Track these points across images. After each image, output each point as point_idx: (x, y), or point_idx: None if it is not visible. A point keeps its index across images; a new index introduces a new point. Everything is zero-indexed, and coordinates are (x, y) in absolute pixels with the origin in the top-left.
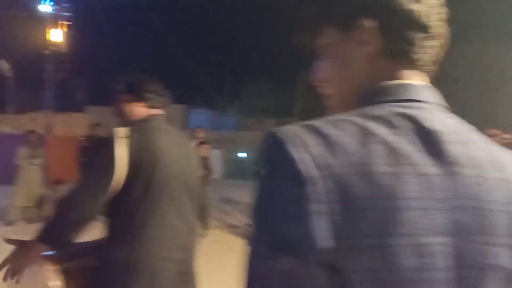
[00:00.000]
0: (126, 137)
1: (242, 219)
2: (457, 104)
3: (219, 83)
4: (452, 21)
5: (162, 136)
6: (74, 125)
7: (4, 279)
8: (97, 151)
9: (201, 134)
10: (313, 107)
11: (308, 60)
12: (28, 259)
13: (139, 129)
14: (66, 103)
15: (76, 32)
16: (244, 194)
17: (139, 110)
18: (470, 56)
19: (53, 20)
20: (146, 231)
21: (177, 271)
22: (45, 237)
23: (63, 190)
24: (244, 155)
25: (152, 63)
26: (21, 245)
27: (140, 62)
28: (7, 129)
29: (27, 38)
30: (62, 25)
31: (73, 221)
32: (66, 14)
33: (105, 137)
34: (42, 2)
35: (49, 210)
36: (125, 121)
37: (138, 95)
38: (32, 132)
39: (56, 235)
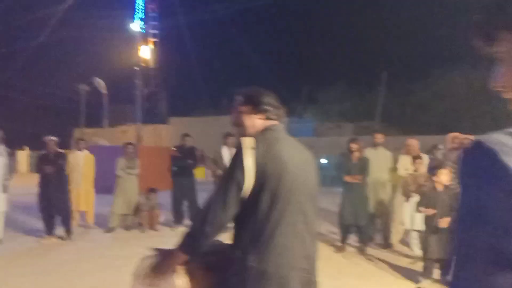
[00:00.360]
0: (252, 148)
1: (326, 227)
2: None
3: (295, 89)
4: None
5: (284, 145)
6: (160, 136)
7: (144, 284)
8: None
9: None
10: (394, 110)
11: (386, 64)
12: (169, 268)
13: (263, 139)
14: (151, 116)
15: (161, 48)
16: (327, 201)
17: (258, 121)
18: None
19: (142, 38)
20: (275, 240)
21: (303, 280)
22: (184, 247)
23: (156, 198)
24: (325, 161)
25: (230, 74)
26: (164, 254)
27: (218, 73)
28: (102, 142)
29: (118, 56)
30: (150, 42)
31: (208, 232)
32: (153, 31)
33: (192, 147)
34: (133, 21)
35: (144, 217)
36: (244, 131)
37: (257, 107)
38: (129, 144)
39: (193, 246)
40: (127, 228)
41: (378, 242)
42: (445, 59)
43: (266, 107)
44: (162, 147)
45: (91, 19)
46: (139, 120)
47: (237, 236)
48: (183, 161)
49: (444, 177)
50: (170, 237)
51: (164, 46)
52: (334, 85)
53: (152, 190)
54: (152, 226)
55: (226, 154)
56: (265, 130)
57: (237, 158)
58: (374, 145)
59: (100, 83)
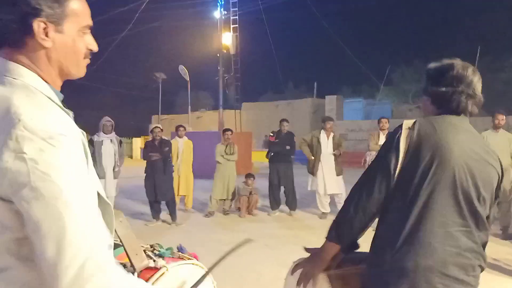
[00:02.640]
0: (409, 128)
1: None
2: None
3: (372, 71)
4: None
5: (453, 132)
6: (238, 121)
7: (298, 284)
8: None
9: (386, 125)
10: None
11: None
12: (321, 265)
13: (427, 121)
14: (228, 101)
15: (240, 35)
16: None
17: (434, 109)
18: None
19: (225, 24)
20: (417, 235)
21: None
22: (330, 235)
23: (254, 183)
24: None
25: (307, 59)
26: (315, 252)
27: (297, 57)
28: (189, 128)
29: (202, 44)
30: (231, 29)
31: (352, 218)
32: (234, 18)
33: (290, 132)
34: (215, 8)
35: (242, 202)
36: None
37: (433, 96)
38: (227, 130)
39: (339, 233)
40: (225, 212)
41: (495, 232)
42: None
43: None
44: (242, 132)
45: (174, 9)
46: (221, 106)
47: (380, 228)
48: (280, 146)
49: None
50: (268, 222)
51: (242, 32)
52: (409, 66)
53: (250, 176)
54: (249, 211)
55: (324, 139)
56: (440, 116)
57: (391, 140)
58: (495, 127)
59: (184, 71)
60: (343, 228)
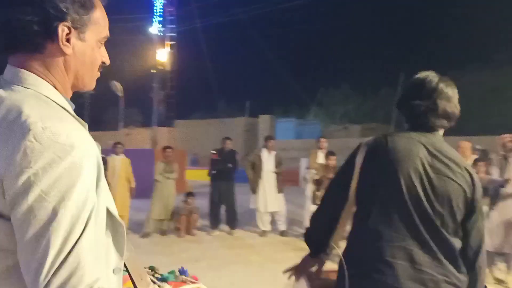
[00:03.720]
0: (366, 144)
1: None
2: None
3: (302, 92)
4: None
5: (405, 147)
6: (173, 139)
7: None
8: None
9: (325, 144)
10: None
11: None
12: (306, 264)
13: (383, 137)
14: (160, 118)
15: (176, 51)
16: None
17: (406, 126)
18: None
19: (160, 41)
20: (374, 249)
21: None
22: (307, 243)
23: (194, 202)
24: None
25: (241, 78)
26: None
27: (231, 76)
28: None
29: (137, 59)
30: (167, 45)
31: (312, 226)
32: (171, 34)
33: (232, 150)
34: (151, 24)
35: (181, 221)
36: None
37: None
38: (168, 147)
39: (308, 243)
40: (163, 233)
41: None
42: (456, 61)
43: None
44: (177, 150)
45: (110, 22)
46: (155, 123)
47: None
48: (223, 164)
49: None
50: (209, 242)
51: (179, 49)
52: (338, 88)
53: (190, 194)
54: (188, 231)
55: (266, 157)
56: (395, 132)
57: (349, 156)
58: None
59: (117, 86)
60: (309, 235)
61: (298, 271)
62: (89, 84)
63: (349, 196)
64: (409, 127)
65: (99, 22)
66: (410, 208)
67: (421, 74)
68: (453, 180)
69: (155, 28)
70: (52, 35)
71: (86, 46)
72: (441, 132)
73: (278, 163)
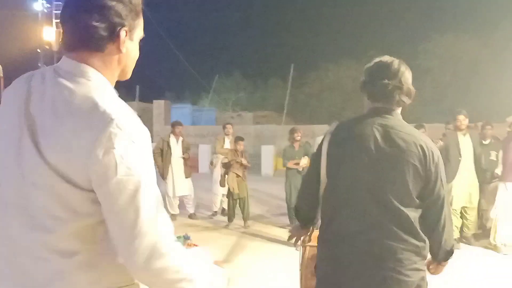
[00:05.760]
0: (331, 132)
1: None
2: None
3: (198, 79)
4: (426, 16)
5: (357, 127)
6: None
7: (290, 238)
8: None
9: (230, 130)
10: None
11: (279, 58)
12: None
13: (343, 122)
14: None
15: None
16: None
17: (368, 103)
18: (442, 49)
19: (47, 18)
20: (326, 209)
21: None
22: (297, 218)
23: None
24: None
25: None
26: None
27: None
28: None
29: (20, 37)
30: (55, 24)
31: (301, 205)
32: (58, 12)
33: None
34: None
35: None
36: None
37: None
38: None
39: (297, 213)
40: None
41: None
42: (334, 54)
43: (373, 89)
44: None
45: None
46: None
47: None
48: None
49: None
50: None
51: None
52: (231, 76)
53: None
54: None
55: (174, 143)
56: (368, 112)
57: (319, 143)
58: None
59: None
60: (297, 211)
61: (293, 237)
62: (129, 75)
63: (321, 178)
64: (368, 110)
65: (141, 24)
66: (365, 184)
67: (384, 58)
68: (403, 156)
69: (39, 4)
70: (115, 38)
71: (134, 45)
72: (398, 110)
73: (186, 149)
